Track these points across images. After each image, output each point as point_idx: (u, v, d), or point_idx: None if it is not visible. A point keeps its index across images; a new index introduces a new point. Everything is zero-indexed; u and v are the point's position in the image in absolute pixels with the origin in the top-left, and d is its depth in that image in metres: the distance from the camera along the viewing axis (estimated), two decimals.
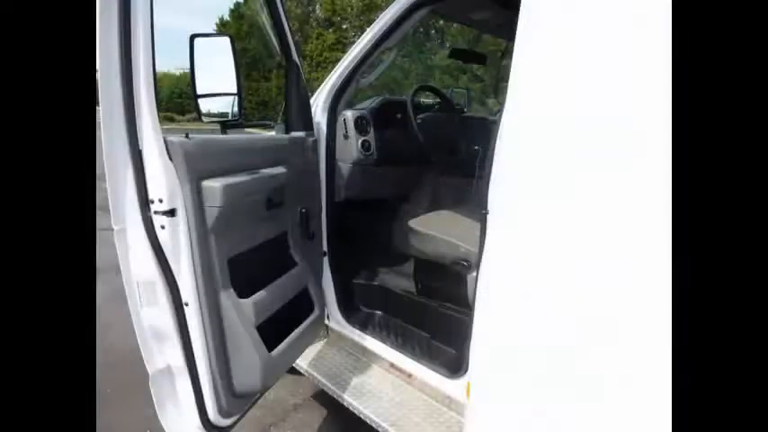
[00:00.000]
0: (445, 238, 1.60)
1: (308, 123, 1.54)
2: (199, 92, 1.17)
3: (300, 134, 1.50)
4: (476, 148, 2.08)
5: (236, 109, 1.27)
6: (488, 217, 0.93)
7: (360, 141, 1.88)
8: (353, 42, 1.70)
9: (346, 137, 1.85)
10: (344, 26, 20.70)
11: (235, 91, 1.25)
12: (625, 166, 0.61)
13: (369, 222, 2.14)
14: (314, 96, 1.67)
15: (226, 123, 1.26)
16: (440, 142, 2.05)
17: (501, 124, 0.86)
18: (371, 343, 1.67)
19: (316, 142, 1.56)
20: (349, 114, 1.87)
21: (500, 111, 0.95)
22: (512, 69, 0.79)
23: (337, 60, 1.74)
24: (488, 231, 0.92)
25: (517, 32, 0.77)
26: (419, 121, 1.97)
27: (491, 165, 0.89)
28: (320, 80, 1.79)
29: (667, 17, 0.52)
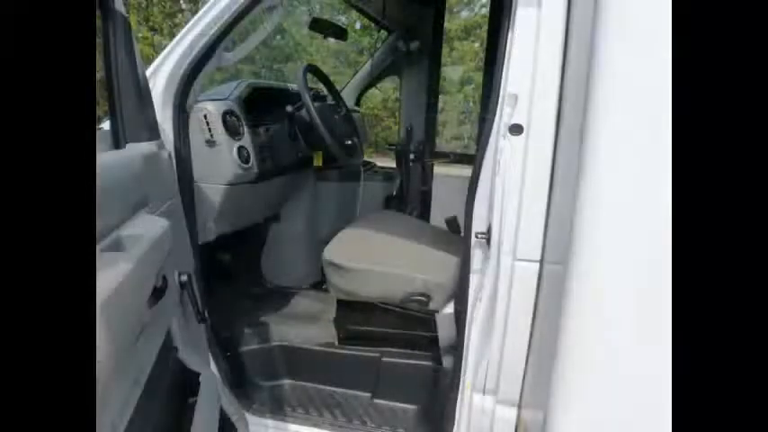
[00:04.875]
0: (391, 271, 1.27)
1: (152, 125, 0.96)
2: None
3: (148, 146, 0.90)
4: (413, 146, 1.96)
5: None
6: (491, 240, 0.92)
7: (236, 149, 1.28)
8: None
9: (211, 143, 1.23)
10: None
11: None
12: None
13: (245, 259, 1.72)
14: None
15: None
16: (340, 138, 1.62)
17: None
18: (286, 426, 1.26)
19: (170, 157, 1.04)
20: (211, 108, 1.24)
21: (490, 114, 0.96)
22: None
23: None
24: (501, 258, 0.90)
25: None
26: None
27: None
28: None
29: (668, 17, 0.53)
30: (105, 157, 0.75)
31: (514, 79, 0.91)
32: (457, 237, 1.43)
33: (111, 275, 0.55)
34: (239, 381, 1.34)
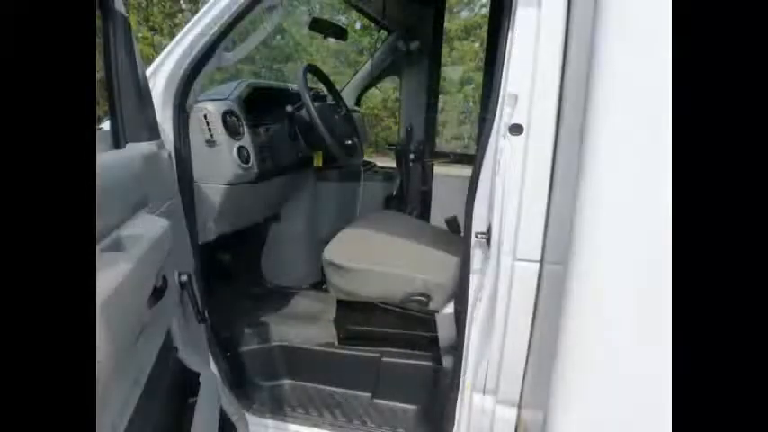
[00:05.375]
0: (391, 271, 1.27)
1: (151, 125, 0.96)
2: None
3: (148, 146, 0.90)
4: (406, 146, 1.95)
5: None
6: (491, 240, 0.92)
7: (235, 149, 1.29)
8: None
9: (211, 143, 1.24)
10: None
11: None
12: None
13: (245, 259, 1.74)
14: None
15: None
16: (340, 138, 1.61)
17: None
18: (286, 426, 1.26)
19: (170, 157, 1.04)
20: (211, 108, 1.25)
21: (490, 114, 0.97)
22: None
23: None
24: (501, 258, 0.91)
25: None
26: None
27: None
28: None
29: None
30: (105, 157, 0.75)
31: (514, 79, 0.91)
32: (457, 237, 1.43)
33: (111, 275, 0.55)
34: (239, 381, 1.33)
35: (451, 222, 1.58)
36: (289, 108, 1.57)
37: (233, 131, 1.31)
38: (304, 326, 1.52)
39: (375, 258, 1.32)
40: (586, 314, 0.65)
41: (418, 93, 2.26)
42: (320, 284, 1.85)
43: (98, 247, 0.60)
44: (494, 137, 0.97)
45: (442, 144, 6.90)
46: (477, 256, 1.06)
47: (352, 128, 1.81)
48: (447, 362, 1.26)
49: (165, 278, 0.76)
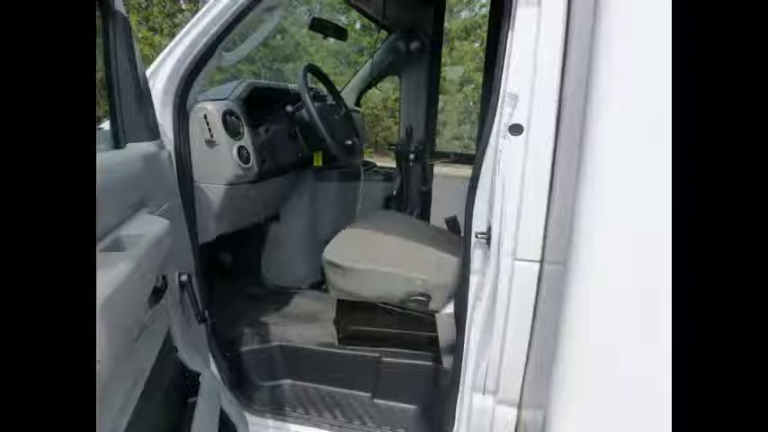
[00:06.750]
0: (391, 271, 1.28)
1: (152, 125, 0.96)
2: None
3: (148, 146, 0.91)
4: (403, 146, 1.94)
5: None
6: (491, 240, 0.92)
7: (235, 149, 1.30)
8: None
9: (211, 143, 1.25)
10: None
11: None
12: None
13: (245, 259, 1.76)
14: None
15: None
16: (339, 139, 1.61)
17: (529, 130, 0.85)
18: (286, 426, 1.26)
19: (170, 157, 1.04)
20: (212, 108, 1.25)
21: (490, 114, 0.96)
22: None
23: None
24: (501, 258, 0.90)
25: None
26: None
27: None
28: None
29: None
30: (105, 157, 0.75)
31: (514, 79, 0.91)
32: (457, 237, 1.43)
33: (111, 275, 0.55)
34: (239, 381, 1.34)
35: (451, 222, 1.58)
36: (289, 108, 1.58)
37: (233, 131, 1.31)
38: (304, 326, 1.52)
39: (375, 258, 1.33)
40: (586, 314, 0.65)
41: (418, 93, 2.26)
42: (320, 284, 1.85)
43: (98, 247, 0.60)
44: (494, 137, 0.97)
45: (442, 144, 6.90)
46: (477, 256, 1.06)
47: (352, 128, 1.82)
48: (447, 362, 1.27)
49: (165, 278, 0.76)
